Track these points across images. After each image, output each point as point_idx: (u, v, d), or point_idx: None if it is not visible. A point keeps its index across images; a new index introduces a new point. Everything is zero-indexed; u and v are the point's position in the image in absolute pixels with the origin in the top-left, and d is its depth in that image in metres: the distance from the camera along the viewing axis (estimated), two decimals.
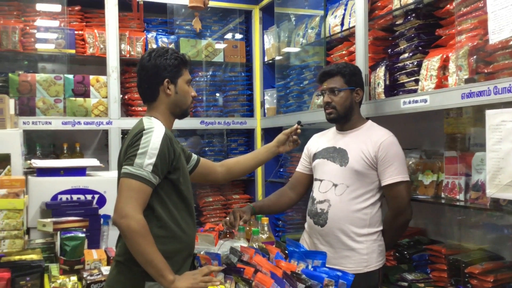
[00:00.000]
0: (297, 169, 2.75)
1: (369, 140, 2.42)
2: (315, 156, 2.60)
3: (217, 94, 4.52)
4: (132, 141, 1.85)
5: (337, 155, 2.48)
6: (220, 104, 4.50)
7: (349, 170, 2.40)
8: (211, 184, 4.46)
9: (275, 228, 4.32)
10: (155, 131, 1.85)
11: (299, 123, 2.50)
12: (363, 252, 2.38)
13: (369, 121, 2.56)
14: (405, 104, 2.51)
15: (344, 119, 2.51)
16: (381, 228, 2.44)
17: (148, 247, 1.75)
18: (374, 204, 2.42)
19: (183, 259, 1.95)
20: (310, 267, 1.91)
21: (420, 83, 2.54)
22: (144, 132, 1.84)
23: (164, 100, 2.00)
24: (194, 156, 2.32)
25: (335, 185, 2.43)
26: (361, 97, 2.53)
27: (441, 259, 2.55)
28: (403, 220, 2.41)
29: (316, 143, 2.66)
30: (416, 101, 2.43)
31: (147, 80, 1.98)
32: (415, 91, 2.58)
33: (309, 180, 2.67)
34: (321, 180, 2.50)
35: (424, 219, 3.07)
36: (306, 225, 2.61)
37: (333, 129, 2.64)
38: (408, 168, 2.78)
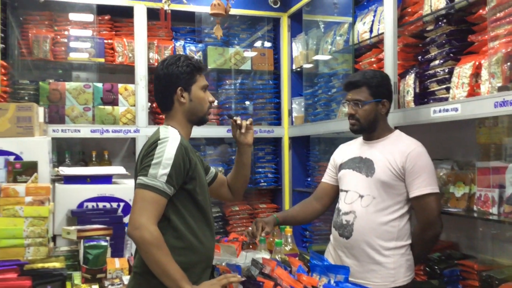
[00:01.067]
0: (322, 180, 2.68)
1: (397, 150, 2.33)
2: (341, 167, 2.52)
3: (247, 102, 4.49)
4: (147, 151, 1.84)
5: (363, 165, 2.40)
6: (250, 112, 4.47)
7: (375, 181, 2.32)
8: None
9: (302, 238, 4.25)
10: (169, 140, 1.82)
11: (230, 116, 2.24)
12: (390, 266, 2.28)
13: (397, 131, 2.47)
14: (435, 113, 2.42)
15: (368, 131, 2.43)
16: (409, 241, 2.34)
17: (163, 257, 1.72)
18: (402, 216, 2.32)
19: (201, 270, 1.91)
20: (332, 282, 1.83)
21: (451, 91, 2.44)
22: (159, 142, 1.82)
23: (179, 109, 1.97)
24: (212, 170, 2.28)
25: (361, 196, 2.35)
26: (387, 108, 2.42)
27: (473, 275, 2.43)
28: (432, 234, 2.30)
29: (342, 153, 2.59)
30: (447, 110, 2.34)
31: (161, 89, 1.97)
32: (446, 99, 2.48)
33: (334, 191, 2.60)
34: (346, 191, 2.43)
35: (456, 232, 2.94)
36: (331, 237, 2.53)
37: (360, 139, 2.56)
38: (439, 180, 2.69)
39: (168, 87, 1.95)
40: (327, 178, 2.65)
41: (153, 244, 1.70)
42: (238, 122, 2.18)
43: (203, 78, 2.02)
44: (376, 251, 2.29)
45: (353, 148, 2.55)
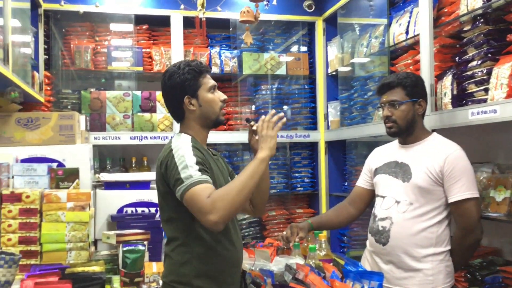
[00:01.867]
0: (357, 184, 2.65)
1: (434, 154, 2.27)
2: (376, 171, 2.48)
3: (285, 107, 4.48)
4: (166, 164, 1.81)
5: (399, 170, 2.36)
6: (288, 116, 4.46)
7: (412, 186, 2.27)
8: (275, 199, 4.43)
9: (340, 244, 4.21)
10: (183, 145, 1.82)
11: (248, 121, 2.15)
12: (429, 273, 2.23)
13: (434, 133, 2.41)
14: (473, 115, 2.35)
15: (406, 133, 2.37)
16: (448, 247, 2.28)
17: (238, 181, 1.73)
18: (441, 222, 2.26)
19: (231, 276, 1.92)
20: None
21: (490, 92, 2.37)
22: (173, 151, 1.81)
23: (191, 117, 1.95)
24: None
25: (398, 202, 2.31)
26: (424, 108, 2.38)
27: None
28: (472, 240, 2.24)
29: (377, 157, 2.55)
30: (485, 112, 2.27)
31: (170, 102, 1.96)
32: (485, 101, 2.41)
33: (369, 195, 2.56)
34: (383, 197, 2.39)
35: (498, 238, 2.85)
36: (367, 243, 2.50)
37: (395, 142, 2.52)
38: (479, 184, 2.61)
39: (176, 98, 1.92)
40: (361, 182, 2.62)
41: (225, 200, 1.67)
42: (254, 128, 2.03)
43: (208, 80, 1.97)
44: (414, 258, 2.24)
45: (388, 152, 2.50)
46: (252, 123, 2.10)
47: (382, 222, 2.34)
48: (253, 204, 2.16)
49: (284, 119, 2.00)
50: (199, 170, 1.75)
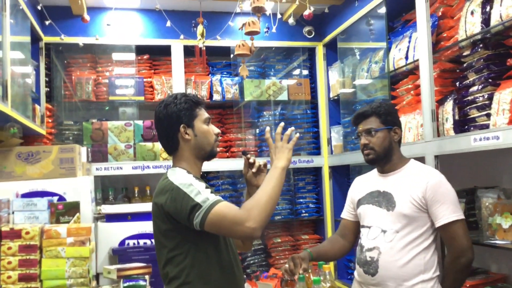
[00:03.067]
0: (342, 216, 2.62)
1: (415, 181, 2.26)
2: (360, 202, 2.46)
3: (292, 128, 4.44)
4: (172, 199, 1.78)
5: (383, 199, 2.34)
6: (293, 137, 4.44)
7: (397, 215, 2.25)
8: (280, 225, 4.39)
9: (347, 270, 4.14)
10: (186, 177, 1.81)
11: (244, 154, 2.15)
12: None
13: (412, 160, 2.40)
14: (475, 141, 2.32)
15: (384, 160, 2.37)
16: (437, 274, 2.25)
17: (262, 193, 1.75)
18: (428, 248, 2.24)
19: None
20: None
21: (492, 117, 2.34)
22: (177, 185, 1.78)
23: (185, 147, 1.93)
24: None
25: (384, 231, 2.28)
26: (399, 136, 2.39)
27: None
28: (465, 262, 2.19)
29: (359, 187, 2.52)
30: (487, 138, 2.24)
31: (164, 131, 1.93)
32: (487, 126, 2.38)
33: (356, 227, 2.54)
34: (369, 227, 2.36)
35: (508, 264, 2.79)
36: (355, 274, 2.45)
37: (375, 172, 2.50)
38: (485, 209, 2.57)
39: (171, 127, 1.90)
40: (346, 214, 2.59)
41: (258, 208, 1.71)
42: (251, 160, 2.06)
43: (204, 112, 1.97)
44: (404, 287, 2.20)
45: (370, 182, 2.48)
46: (248, 155, 2.09)
47: (370, 252, 2.31)
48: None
49: (298, 134, 2.06)
50: (211, 192, 1.77)
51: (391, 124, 2.37)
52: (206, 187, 1.79)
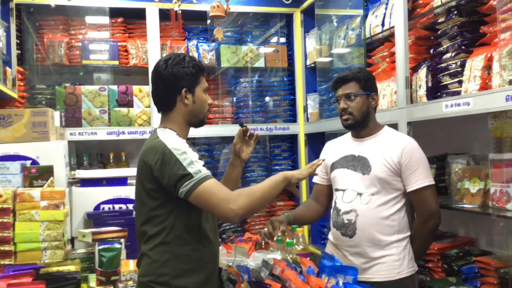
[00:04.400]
0: (314, 181, 2.67)
1: (390, 147, 2.33)
2: (333, 166, 2.50)
3: (267, 98, 4.47)
4: (162, 162, 1.77)
5: (358, 163, 2.39)
6: (268, 108, 4.46)
7: (372, 178, 2.32)
8: None
9: (321, 235, 4.22)
10: (180, 143, 1.81)
11: (241, 124, 2.21)
12: (395, 258, 2.30)
13: (386, 127, 2.47)
14: (447, 107, 2.37)
15: (362, 125, 2.42)
16: (409, 233, 2.36)
17: (259, 188, 1.80)
18: (400, 209, 2.34)
19: (209, 275, 1.91)
20: (341, 283, 1.81)
21: (463, 84, 2.39)
22: (171, 148, 1.77)
23: (181, 110, 1.93)
24: None
25: (360, 194, 2.35)
26: (376, 102, 2.45)
27: (491, 272, 2.39)
28: (432, 225, 2.32)
29: (332, 152, 2.56)
30: (458, 105, 2.28)
31: (164, 89, 1.91)
32: (459, 93, 2.43)
33: (329, 190, 2.59)
34: (343, 190, 2.42)
35: (474, 228, 2.89)
36: (331, 237, 2.52)
37: (348, 136, 2.55)
38: (455, 175, 2.64)
39: (173, 87, 1.90)
40: (318, 179, 2.64)
41: (248, 197, 1.74)
42: (256, 134, 2.20)
43: (204, 80, 1.99)
44: (380, 246, 2.31)
45: (342, 146, 2.53)
46: (245, 127, 2.17)
47: (347, 215, 2.38)
48: None
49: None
50: (203, 166, 1.78)
51: (370, 90, 2.41)
52: (200, 158, 1.80)
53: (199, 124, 2.01)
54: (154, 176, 1.80)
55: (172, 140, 1.82)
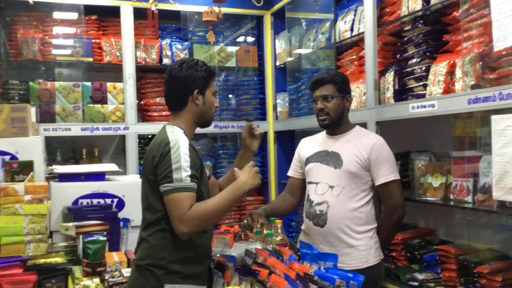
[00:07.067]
0: (289, 174, 2.86)
1: (361, 144, 2.55)
2: (308, 160, 2.70)
3: (230, 96, 4.61)
4: (161, 155, 1.92)
5: (330, 158, 2.59)
6: (233, 106, 4.60)
7: (343, 172, 2.52)
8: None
9: (289, 229, 4.40)
10: (181, 144, 1.93)
11: (248, 120, 2.53)
12: (362, 248, 2.50)
13: (357, 126, 2.69)
14: (413, 109, 2.58)
15: (336, 125, 2.62)
16: (375, 225, 2.58)
17: (215, 205, 1.92)
18: (368, 202, 2.56)
19: (202, 262, 2.05)
20: (322, 268, 1.98)
21: (428, 88, 2.60)
22: (171, 146, 1.92)
23: (192, 110, 2.08)
24: (206, 171, 2.40)
25: (332, 187, 2.55)
26: (350, 103, 2.66)
27: (451, 259, 2.61)
28: (397, 217, 2.55)
29: (307, 147, 2.77)
30: (424, 106, 2.50)
31: (177, 89, 2.06)
32: (423, 95, 2.65)
33: (303, 183, 2.79)
34: (316, 183, 2.61)
35: (435, 220, 3.13)
36: (303, 227, 2.71)
37: (322, 134, 2.76)
38: (418, 171, 2.86)
39: (186, 88, 2.05)
40: (293, 172, 2.84)
41: (201, 219, 1.87)
42: (259, 132, 2.45)
43: (213, 85, 2.16)
44: (349, 236, 2.50)
45: (317, 143, 2.73)
46: (252, 122, 2.45)
47: (319, 206, 2.57)
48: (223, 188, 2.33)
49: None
50: (190, 175, 1.90)
51: (345, 92, 2.61)
52: (191, 166, 1.91)
53: (205, 124, 2.17)
54: (154, 166, 1.94)
55: (176, 139, 1.95)
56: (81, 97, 4.02)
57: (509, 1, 2.00)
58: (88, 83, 4.05)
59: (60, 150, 4.09)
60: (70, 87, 3.99)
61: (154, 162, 1.94)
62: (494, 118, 2.06)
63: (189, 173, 1.90)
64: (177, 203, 1.87)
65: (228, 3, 4.25)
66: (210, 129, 4.28)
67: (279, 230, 2.54)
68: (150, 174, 1.98)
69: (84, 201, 3.20)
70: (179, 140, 1.95)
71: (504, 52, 2.07)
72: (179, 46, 4.35)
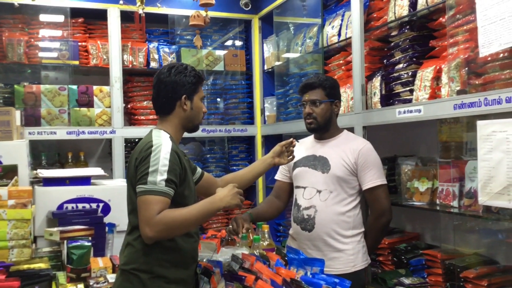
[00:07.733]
0: (277, 178, 2.85)
1: (348, 148, 2.55)
2: (296, 165, 2.69)
3: (218, 99, 4.61)
4: (142, 157, 1.91)
5: (318, 163, 2.59)
6: (221, 110, 4.59)
7: (331, 177, 2.52)
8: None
9: (276, 233, 4.39)
10: (163, 147, 1.91)
11: (292, 137, 2.55)
12: (350, 252, 2.50)
13: (345, 131, 2.69)
14: (400, 114, 2.59)
15: (324, 129, 2.62)
16: (363, 229, 2.57)
17: (187, 215, 1.87)
18: (356, 207, 2.56)
19: (188, 266, 2.03)
20: (309, 274, 1.98)
21: (414, 93, 2.62)
22: (152, 148, 1.90)
23: (179, 115, 2.06)
24: (199, 170, 2.39)
25: (319, 191, 2.54)
26: (339, 109, 2.66)
27: (437, 263, 2.62)
28: (384, 221, 2.55)
29: (295, 152, 2.75)
30: (411, 111, 2.51)
31: (165, 94, 2.04)
32: (410, 100, 2.66)
33: (290, 187, 2.78)
34: (304, 188, 2.60)
35: (421, 224, 3.14)
36: (291, 232, 2.70)
37: (310, 138, 2.75)
38: (404, 175, 2.87)
39: (174, 93, 2.03)
40: (280, 176, 2.83)
41: (167, 226, 1.82)
42: (294, 144, 2.50)
43: (202, 90, 2.14)
44: (337, 240, 2.49)
45: (305, 147, 2.73)
46: (293, 140, 2.50)
47: (307, 211, 2.57)
48: None
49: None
50: (166, 180, 1.87)
51: (334, 97, 2.60)
52: (169, 171, 1.88)
53: (193, 129, 2.15)
54: (135, 168, 1.94)
55: (159, 143, 1.93)
56: (67, 100, 3.98)
57: (495, 8, 2.02)
58: (74, 86, 4.02)
59: (45, 154, 4.04)
60: (55, 90, 3.95)
61: (136, 164, 1.93)
62: (480, 123, 2.07)
63: (165, 177, 1.87)
64: (147, 205, 1.84)
65: (216, 7, 4.25)
66: (198, 133, 4.23)
67: (266, 235, 2.53)
68: (133, 177, 1.96)
69: (69, 206, 3.16)
70: (161, 144, 1.93)
71: (489, 58, 2.08)
72: (166, 49, 4.34)
